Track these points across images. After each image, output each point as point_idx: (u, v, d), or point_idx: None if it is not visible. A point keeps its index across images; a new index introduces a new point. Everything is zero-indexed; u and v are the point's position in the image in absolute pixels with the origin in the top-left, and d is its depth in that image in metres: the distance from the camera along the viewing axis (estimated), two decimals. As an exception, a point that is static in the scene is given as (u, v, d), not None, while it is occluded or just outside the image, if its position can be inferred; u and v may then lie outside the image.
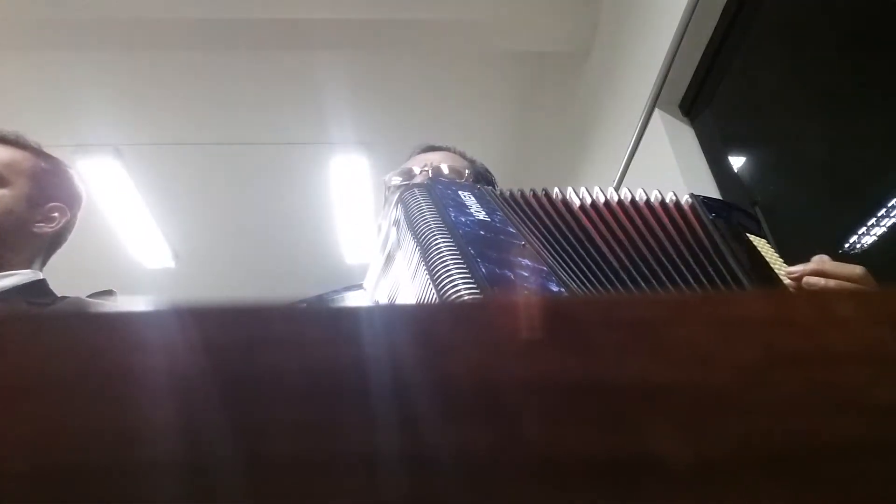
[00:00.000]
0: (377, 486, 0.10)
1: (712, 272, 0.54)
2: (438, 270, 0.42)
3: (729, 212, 0.65)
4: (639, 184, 0.64)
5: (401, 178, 0.88)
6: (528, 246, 0.47)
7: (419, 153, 0.94)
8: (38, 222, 0.87)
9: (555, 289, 0.43)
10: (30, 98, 2.20)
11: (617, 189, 0.61)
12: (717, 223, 0.61)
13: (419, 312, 0.15)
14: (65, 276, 0.96)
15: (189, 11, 1.81)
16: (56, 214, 0.90)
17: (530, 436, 0.11)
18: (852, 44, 1.23)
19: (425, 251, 0.44)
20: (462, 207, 0.50)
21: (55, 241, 0.91)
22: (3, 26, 1.75)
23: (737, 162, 1.49)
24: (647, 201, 0.61)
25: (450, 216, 0.47)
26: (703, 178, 1.48)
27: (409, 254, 0.47)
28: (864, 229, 1.10)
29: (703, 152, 1.54)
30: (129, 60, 2.13)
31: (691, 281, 0.53)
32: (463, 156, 0.94)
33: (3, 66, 2.07)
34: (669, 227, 0.59)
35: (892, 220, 1.06)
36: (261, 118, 2.42)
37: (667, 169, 1.53)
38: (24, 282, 0.82)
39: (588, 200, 0.58)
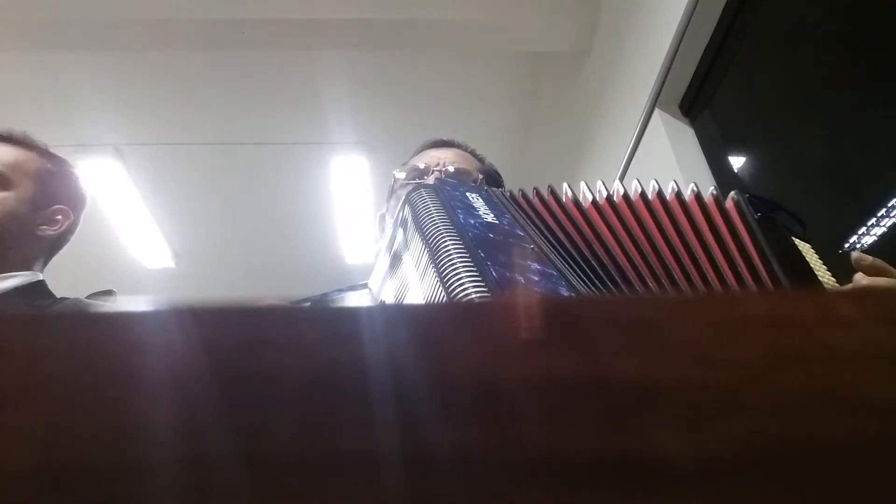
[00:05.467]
0: (377, 486, 0.10)
1: (751, 279, 0.51)
2: (448, 273, 0.41)
3: (774, 212, 0.60)
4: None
5: (408, 175, 0.85)
6: (536, 249, 0.46)
7: (428, 148, 0.91)
8: (42, 224, 0.87)
9: (565, 293, 0.42)
10: (30, 98, 2.20)
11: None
12: (762, 224, 0.57)
13: (419, 312, 0.15)
14: (65, 275, 0.96)
15: (189, 11, 1.81)
16: (59, 217, 0.89)
17: (530, 436, 0.11)
18: (852, 44, 1.23)
19: (434, 253, 0.43)
20: (470, 209, 0.49)
21: (58, 242, 0.91)
22: (3, 26, 1.75)
23: (737, 162, 1.49)
24: (679, 195, 0.58)
25: (458, 217, 0.46)
26: (703, 178, 1.48)
27: (417, 255, 0.46)
28: (864, 229, 1.10)
29: (703, 152, 1.54)
30: (129, 60, 2.13)
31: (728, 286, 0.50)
32: (473, 154, 0.91)
33: (3, 66, 2.07)
34: (702, 225, 0.56)
35: (892, 220, 1.06)
36: (261, 118, 2.42)
37: (667, 169, 1.53)
38: (24, 283, 0.82)
39: (602, 195, 0.56)
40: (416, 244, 0.47)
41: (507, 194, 0.56)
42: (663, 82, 1.55)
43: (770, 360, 0.13)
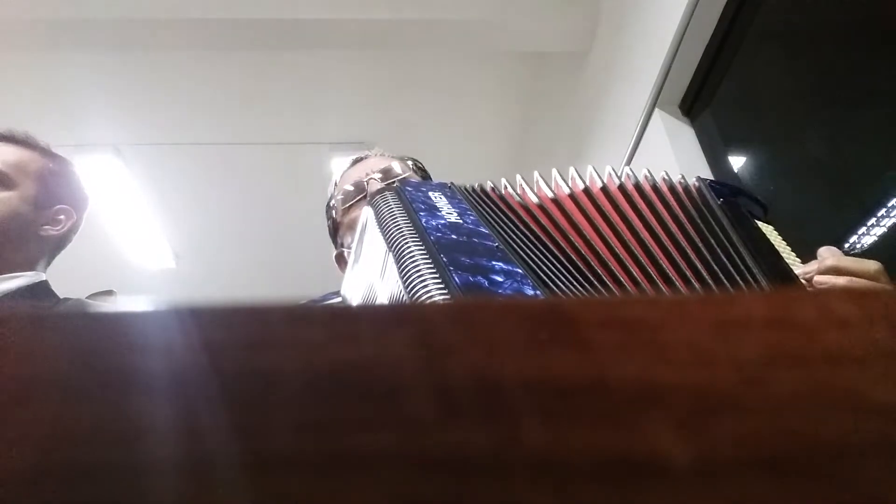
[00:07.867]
0: (377, 487, 0.10)
1: (725, 263, 0.52)
2: (413, 281, 0.41)
3: (736, 196, 0.62)
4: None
5: (345, 199, 0.85)
6: (501, 247, 0.46)
7: (347, 172, 0.91)
8: (44, 225, 0.87)
9: (530, 292, 0.42)
10: (30, 98, 2.20)
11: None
12: (724, 208, 0.59)
13: (419, 312, 0.15)
14: (65, 276, 0.96)
15: (189, 11, 1.81)
16: (62, 217, 0.89)
17: (530, 436, 0.11)
18: (852, 44, 1.23)
19: (398, 259, 0.43)
20: (433, 210, 0.49)
21: (60, 243, 0.91)
22: (4, 26, 1.75)
23: (737, 162, 1.49)
24: (640, 185, 0.60)
25: (421, 221, 0.46)
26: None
27: (381, 262, 0.47)
28: (864, 229, 1.10)
29: (703, 152, 1.54)
30: (129, 60, 2.13)
31: (692, 276, 0.51)
32: (389, 156, 0.92)
33: (4, 66, 2.07)
34: (677, 211, 0.57)
35: (892, 220, 1.06)
36: (261, 118, 2.42)
37: (667, 169, 1.52)
38: (27, 284, 0.82)
39: (567, 189, 0.57)
40: (381, 250, 0.47)
41: (471, 188, 0.56)
42: (663, 82, 1.55)
43: (770, 360, 0.13)
